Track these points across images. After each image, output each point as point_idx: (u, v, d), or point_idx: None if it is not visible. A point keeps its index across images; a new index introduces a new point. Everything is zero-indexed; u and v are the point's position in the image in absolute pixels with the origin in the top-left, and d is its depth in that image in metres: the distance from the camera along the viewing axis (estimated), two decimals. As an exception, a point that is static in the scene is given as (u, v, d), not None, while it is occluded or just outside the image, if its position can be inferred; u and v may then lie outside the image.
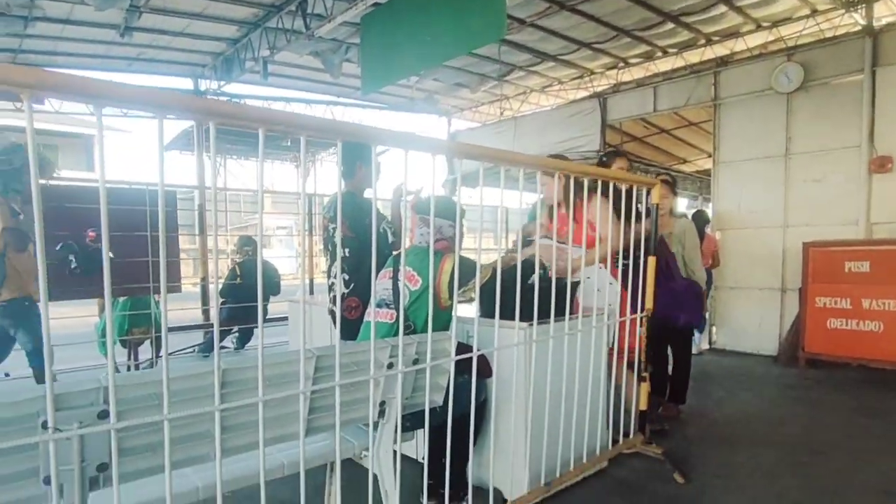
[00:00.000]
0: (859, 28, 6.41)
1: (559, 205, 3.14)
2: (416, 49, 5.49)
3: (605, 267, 3.27)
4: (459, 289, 2.34)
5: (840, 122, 6.35)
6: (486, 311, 2.54)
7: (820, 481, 3.11)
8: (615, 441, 3.24)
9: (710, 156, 7.78)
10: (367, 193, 3.24)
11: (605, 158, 3.99)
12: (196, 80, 9.20)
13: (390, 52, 5.76)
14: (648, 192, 3.30)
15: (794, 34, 7.27)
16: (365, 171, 3.15)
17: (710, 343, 7.22)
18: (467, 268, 2.39)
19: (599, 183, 3.26)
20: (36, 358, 3.91)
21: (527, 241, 3.47)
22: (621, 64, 8.91)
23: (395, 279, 1.94)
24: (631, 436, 3.33)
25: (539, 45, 8.15)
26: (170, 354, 5.57)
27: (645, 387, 3.31)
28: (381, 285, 2.53)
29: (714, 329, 7.22)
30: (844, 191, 6.32)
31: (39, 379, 3.87)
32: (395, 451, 3.20)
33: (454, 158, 2.16)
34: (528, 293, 2.43)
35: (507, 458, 2.65)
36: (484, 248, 13.47)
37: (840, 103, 6.40)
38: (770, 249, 6.83)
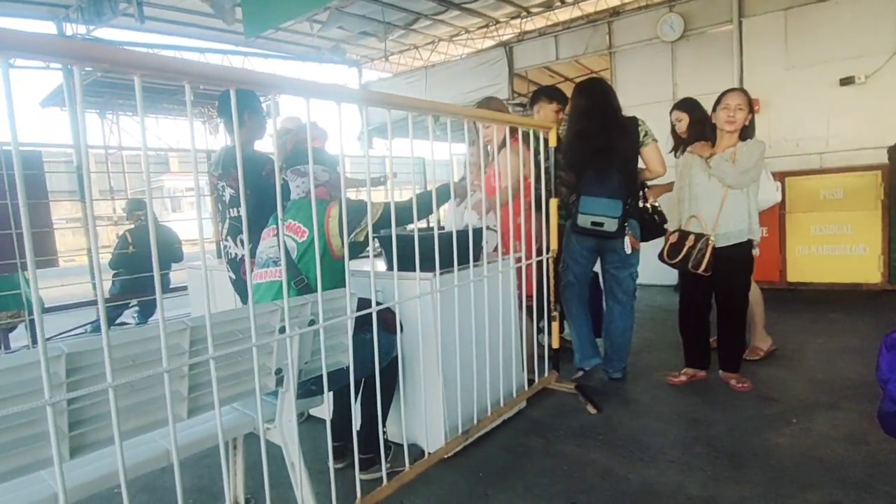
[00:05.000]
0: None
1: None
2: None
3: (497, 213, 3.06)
4: (350, 232, 2.10)
5: (717, 69, 6.57)
6: (391, 264, 2.32)
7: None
8: (531, 381, 3.14)
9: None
10: (259, 145, 2.92)
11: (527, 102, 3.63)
12: (60, 23, 7.50)
13: (270, -7, 5.10)
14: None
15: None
16: (254, 122, 2.80)
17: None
18: (355, 209, 2.12)
19: (508, 132, 3.12)
20: None
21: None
22: (524, 13, 8.70)
23: (279, 235, 1.68)
24: (546, 374, 3.24)
25: (443, -7, 7.77)
26: (55, 337, 4.97)
27: (555, 325, 3.21)
28: (266, 244, 2.23)
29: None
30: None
31: None
32: (308, 416, 2.99)
33: (365, 109, 1.93)
34: (429, 243, 2.23)
35: (423, 413, 2.48)
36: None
37: (716, 51, 6.65)
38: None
